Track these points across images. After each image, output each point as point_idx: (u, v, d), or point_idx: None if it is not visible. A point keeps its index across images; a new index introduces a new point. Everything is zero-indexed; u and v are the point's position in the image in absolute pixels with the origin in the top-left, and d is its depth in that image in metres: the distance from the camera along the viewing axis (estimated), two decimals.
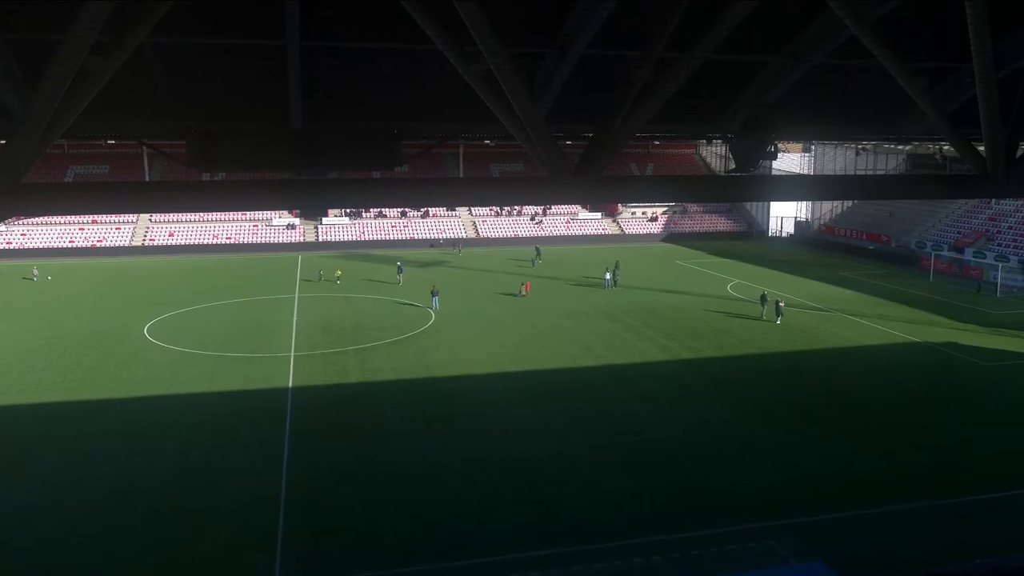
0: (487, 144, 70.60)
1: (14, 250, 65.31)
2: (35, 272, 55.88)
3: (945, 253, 59.11)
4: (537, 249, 64.82)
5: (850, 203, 74.42)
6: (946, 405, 29.43)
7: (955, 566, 16.07)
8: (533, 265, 60.53)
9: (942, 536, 19.44)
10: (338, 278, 53.21)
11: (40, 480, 22.38)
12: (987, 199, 63.30)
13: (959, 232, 63.48)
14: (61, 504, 20.94)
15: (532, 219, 77.35)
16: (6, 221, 61.78)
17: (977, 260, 56.80)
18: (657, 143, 79.06)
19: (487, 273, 57.98)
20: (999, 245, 58.56)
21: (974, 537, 19.27)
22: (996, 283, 51.69)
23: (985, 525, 20.08)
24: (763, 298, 44.11)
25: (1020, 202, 61.61)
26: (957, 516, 20.58)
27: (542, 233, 75.44)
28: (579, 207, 78.04)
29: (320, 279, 53.47)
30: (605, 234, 77.54)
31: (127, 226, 70.16)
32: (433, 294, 45.43)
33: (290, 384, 31.20)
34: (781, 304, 42.66)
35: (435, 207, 74.15)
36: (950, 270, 57.53)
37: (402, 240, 72.66)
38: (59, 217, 65.45)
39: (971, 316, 43.87)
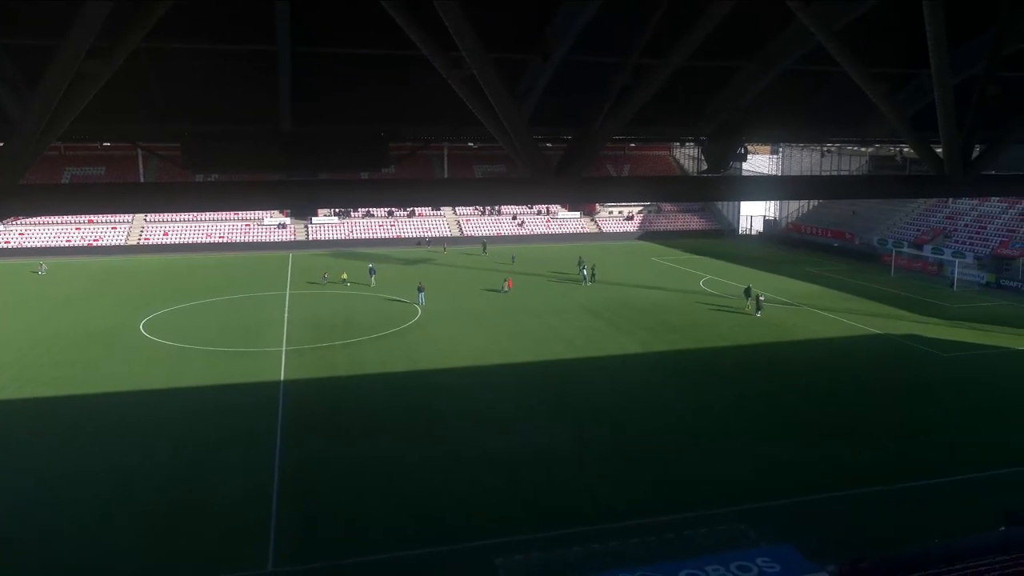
0: (471, 146, 70.58)
1: (13, 249, 64.56)
2: (43, 267, 56.35)
3: (905, 250, 59.70)
4: (484, 245, 67.49)
5: (816, 202, 75.02)
6: (908, 394, 29.74)
7: (914, 547, 16.27)
8: (512, 261, 60.65)
9: (904, 519, 19.66)
10: (345, 280, 51.57)
11: (38, 474, 22.13)
12: (944, 198, 64.08)
13: (918, 230, 64.17)
14: (60, 497, 20.72)
15: (514, 218, 77.38)
16: (4, 221, 61.06)
17: (936, 256, 57.40)
18: (633, 145, 79.32)
19: (471, 270, 57.95)
20: (956, 242, 59.27)
21: (933, 520, 19.51)
22: (953, 278, 52.31)
23: (944, 508, 20.35)
24: (747, 292, 44.40)
25: (975, 201, 62.41)
26: (918, 500, 20.83)
27: (523, 232, 75.53)
28: (559, 206, 78.13)
29: (325, 281, 51.96)
30: (584, 232, 77.69)
31: (123, 226, 69.51)
32: (419, 290, 45.38)
33: (281, 378, 31.04)
34: (761, 299, 43.00)
35: (421, 207, 73.98)
36: (910, 266, 58.10)
37: (389, 239, 72.44)
38: (56, 217, 64.75)
39: (930, 310, 44.39)
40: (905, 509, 20.28)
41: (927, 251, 58.65)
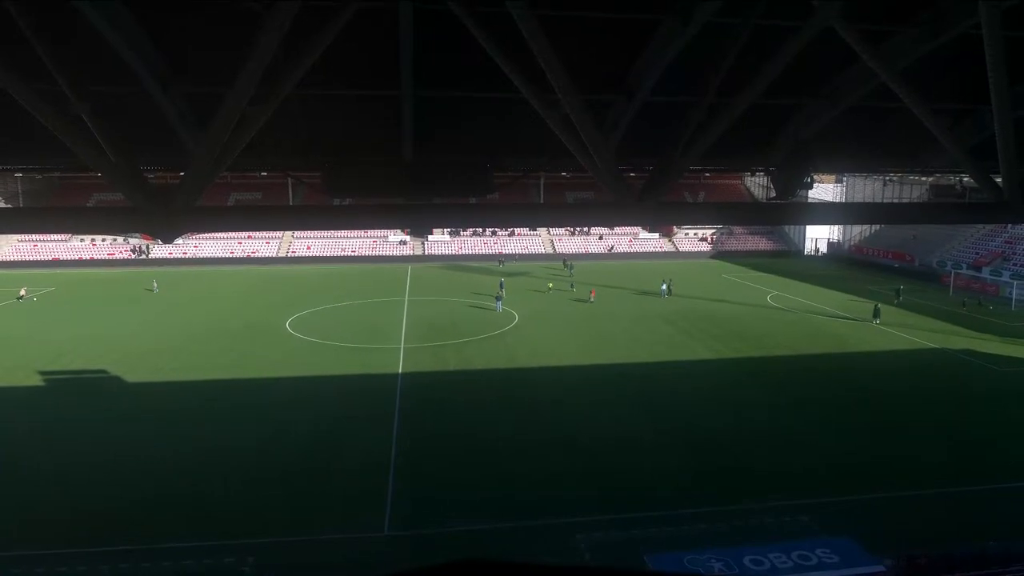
0: (564, 175, 70.43)
1: (189, 259, 68.65)
2: (155, 284, 53.08)
3: (965, 271, 55.79)
4: (564, 262, 65.80)
5: (877, 226, 71.17)
6: (964, 404, 27.74)
7: (971, 547, 15.14)
8: (570, 270, 61.30)
9: (959, 520, 18.33)
10: (551, 289, 52.57)
11: (203, 440, 23.34)
12: (1004, 224, 59.60)
13: (977, 253, 59.90)
14: (217, 460, 21.81)
15: (600, 239, 76.79)
16: (183, 236, 64.96)
17: (994, 278, 53.43)
18: (708, 174, 77.40)
19: (561, 281, 57.63)
20: (1015, 264, 55.01)
21: (989, 522, 18.10)
22: (1011, 298, 48.58)
23: (1000, 512, 18.86)
24: (876, 309, 42.74)
25: None
26: (974, 503, 19.39)
27: (607, 251, 74.87)
28: (640, 228, 76.95)
29: (548, 291, 52.22)
30: (662, 251, 76.26)
31: (274, 241, 72.82)
32: (497, 299, 45.60)
33: (400, 371, 31.74)
34: (879, 306, 42.97)
35: (520, 227, 74.50)
36: (969, 286, 54.28)
37: (492, 255, 72.91)
38: (222, 232, 68.46)
39: (988, 327, 41.30)
40: (960, 511, 18.89)
41: (985, 273, 54.65)
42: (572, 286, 53.83)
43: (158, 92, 7.65)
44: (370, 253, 72.28)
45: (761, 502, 19.10)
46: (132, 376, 30.61)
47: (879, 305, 43.30)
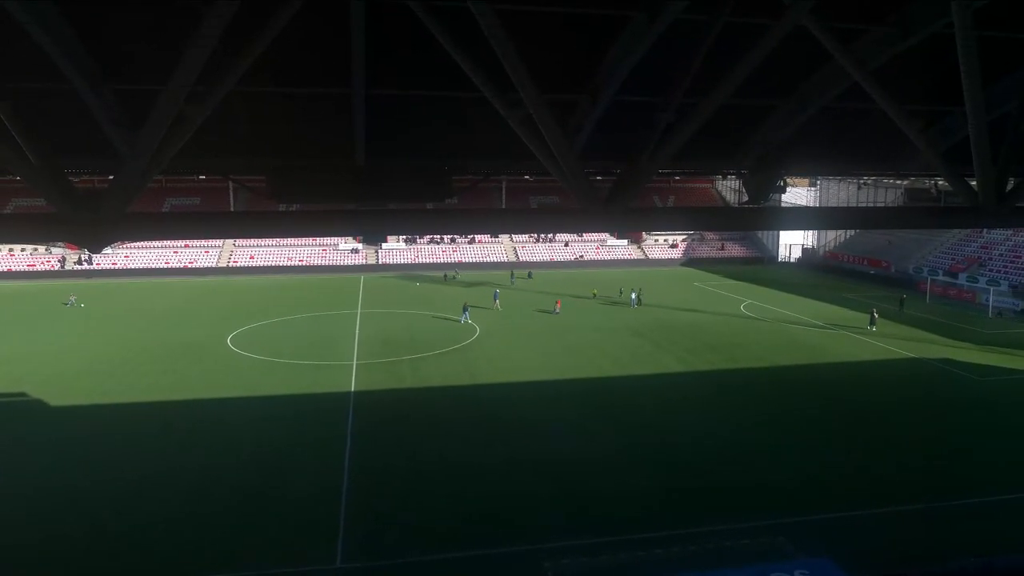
0: (527, 179, 70.65)
1: (119, 270, 67.00)
2: (72, 298, 51.94)
3: (941, 278, 57.60)
4: (455, 272, 66.72)
5: (852, 232, 73.07)
6: (942, 415, 28.56)
7: (951, 564, 15.55)
8: (512, 281, 62.16)
9: (940, 535, 18.83)
10: (595, 295, 54.78)
11: (138, 469, 22.75)
12: (979, 229, 61.79)
13: (953, 258, 61.89)
14: (154, 491, 21.27)
15: (565, 245, 77.26)
16: (113, 245, 63.23)
17: (970, 284, 55.23)
18: (678, 178, 78.51)
19: (524, 293, 57.89)
20: (990, 271, 56.96)
21: (970, 537, 18.64)
22: (988, 305, 50.26)
23: (980, 526, 19.43)
24: (871, 314, 44.69)
25: (1010, 232, 59.96)
26: (954, 517, 19.93)
27: (574, 258, 75.35)
28: (608, 234, 77.74)
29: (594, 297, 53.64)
30: (631, 258, 77.08)
31: (214, 249, 71.58)
32: (464, 309, 45.77)
33: (352, 389, 31.40)
34: (875, 313, 44.80)
35: (481, 234, 74.50)
36: (945, 293, 56.02)
37: (450, 263, 72.81)
38: (157, 242, 66.92)
39: (964, 335, 42.65)
40: (940, 526, 19.41)
41: (962, 279, 56.48)
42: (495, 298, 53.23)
43: (86, 89, 7.46)
44: (319, 263, 71.56)
45: (736, 522, 19.33)
46: (57, 400, 29.68)
47: (875, 312, 44.51)
